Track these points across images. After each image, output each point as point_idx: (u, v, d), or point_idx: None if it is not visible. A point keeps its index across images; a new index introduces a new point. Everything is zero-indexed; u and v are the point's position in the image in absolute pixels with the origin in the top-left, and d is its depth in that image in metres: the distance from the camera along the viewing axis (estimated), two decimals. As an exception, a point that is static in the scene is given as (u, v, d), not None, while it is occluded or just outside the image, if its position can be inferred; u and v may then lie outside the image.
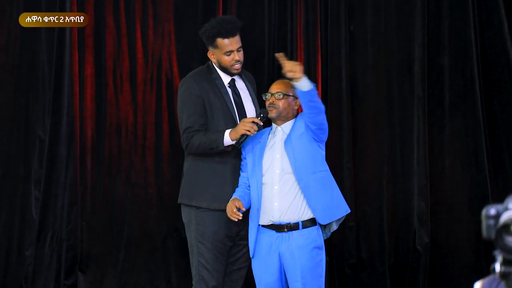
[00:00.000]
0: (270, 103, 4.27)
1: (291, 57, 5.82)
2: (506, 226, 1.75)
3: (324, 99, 5.78)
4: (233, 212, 4.14)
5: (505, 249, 1.76)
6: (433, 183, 5.70)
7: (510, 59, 5.55)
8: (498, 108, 5.61)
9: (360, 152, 5.80)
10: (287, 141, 4.24)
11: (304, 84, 4.10)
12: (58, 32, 5.81)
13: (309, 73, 5.79)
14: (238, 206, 4.14)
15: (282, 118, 4.30)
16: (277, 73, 5.78)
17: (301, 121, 4.28)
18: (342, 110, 5.77)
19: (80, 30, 5.85)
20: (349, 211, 4.33)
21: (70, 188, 5.82)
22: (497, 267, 1.78)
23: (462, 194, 5.70)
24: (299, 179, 4.18)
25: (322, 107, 4.23)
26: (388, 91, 5.78)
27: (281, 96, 4.26)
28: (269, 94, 4.29)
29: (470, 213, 5.64)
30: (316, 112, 4.19)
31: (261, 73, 5.73)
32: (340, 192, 4.34)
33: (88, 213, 5.87)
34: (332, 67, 5.79)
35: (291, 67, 4.09)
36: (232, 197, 4.24)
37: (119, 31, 5.91)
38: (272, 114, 4.27)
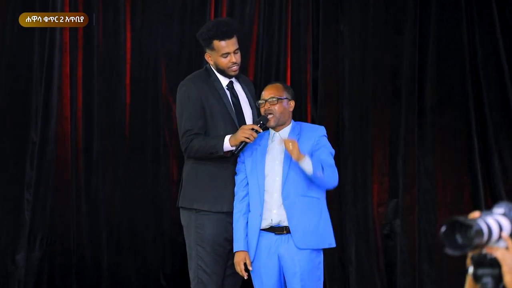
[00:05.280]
0: (266, 110, 4.23)
1: (278, 57, 5.83)
2: (456, 222, 1.76)
3: (314, 99, 5.79)
4: (241, 270, 4.20)
5: (451, 246, 1.77)
6: (421, 184, 5.73)
7: (501, 59, 5.59)
8: (488, 108, 5.65)
9: (346, 151, 5.81)
10: (288, 155, 4.15)
11: (306, 167, 4.09)
12: (50, 33, 5.77)
13: (299, 73, 5.81)
14: (248, 265, 4.20)
15: (280, 123, 4.27)
16: (264, 73, 5.79)
17: (308, 141, 4.24)
18: (332, 110, 5.78)
19: (72, 31, 5.83)
20: (333, 245, 4.28)
21: (60, 189, 5.77)
22: (470, 269, 1.79)
23: (450, 194, 5.73)
24: (284, 197, 4.15)
25: (330, 185, 4.22)
26: (376, 90, 5.80)
27: (276, 101, 4.23)
28: (263, 101, 4.25)
29: (458, 213, 5.66)
30: (322, 187, 4.23)
31: (248, 72, 5.73)
32: (329, 225, 4.25)
33: (79, 214, 5.83)
34: (322, 67, 5.79)
35: (289, 150, 4.08)
36: (240, 248, 4.21)
37: (110, 32, 5.88)
38: (271, 123, 4.22)
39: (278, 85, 4.33)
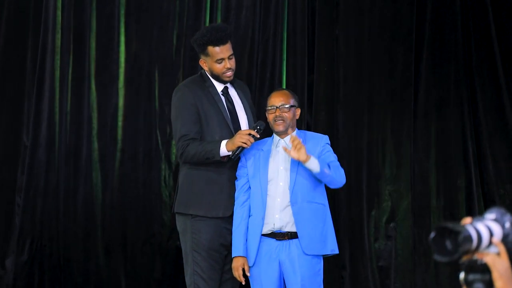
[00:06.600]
0: (277, 116, 4.23)
1: (273, 62, 5.83)
2: (445, 228, 1.77)
3: (309, 103, 5.80)
4: (239, 275, 4.21)
5: (440, 252, 1.78)
6: (415, 188, 5.73)
7: (496, 63, 5.59)
8: (483, 113, 5.66)
9: (341, 156, 5.80)
10: (295, 161, 4.17)
11: (312, 166, 4.08)
12: (42, 37, 5.75)
13: (295, 78, 5.81)
14: (246, 270, 4.21)
15: (288, 129, 4.29)
16: (260, 77, 5.79)
17: (314, 148, 4.25)
18: (327, 114, 5.78)
19: (64, 34, 5.81)
20: (336, 252, 4.30)
21: (50, 193, 5.76)
22: (461, 275, 1.81)
23: (445, 198, 5.73)
24: (292, 202, 4.18)
25: (338, 183, 4.24)
26: (371, 95, 5.80)
27: (287, 108, 4.25)
28: (274, 107, 4.25)
29: (452, 217, 5.67)
30: (331, 185, 4.24)
31: (243, 77, 5.73)
32: (333, 232, 4.28)
33: (68, 218, 5.83)
34: (317, 71, 5.79)
35: (295, 151, 4.05)
36: (238, 253, 4.22)
37: (103, 35, 5.86)
38: (280, 128, 4.24)
39: (287, 92, 4.36)
